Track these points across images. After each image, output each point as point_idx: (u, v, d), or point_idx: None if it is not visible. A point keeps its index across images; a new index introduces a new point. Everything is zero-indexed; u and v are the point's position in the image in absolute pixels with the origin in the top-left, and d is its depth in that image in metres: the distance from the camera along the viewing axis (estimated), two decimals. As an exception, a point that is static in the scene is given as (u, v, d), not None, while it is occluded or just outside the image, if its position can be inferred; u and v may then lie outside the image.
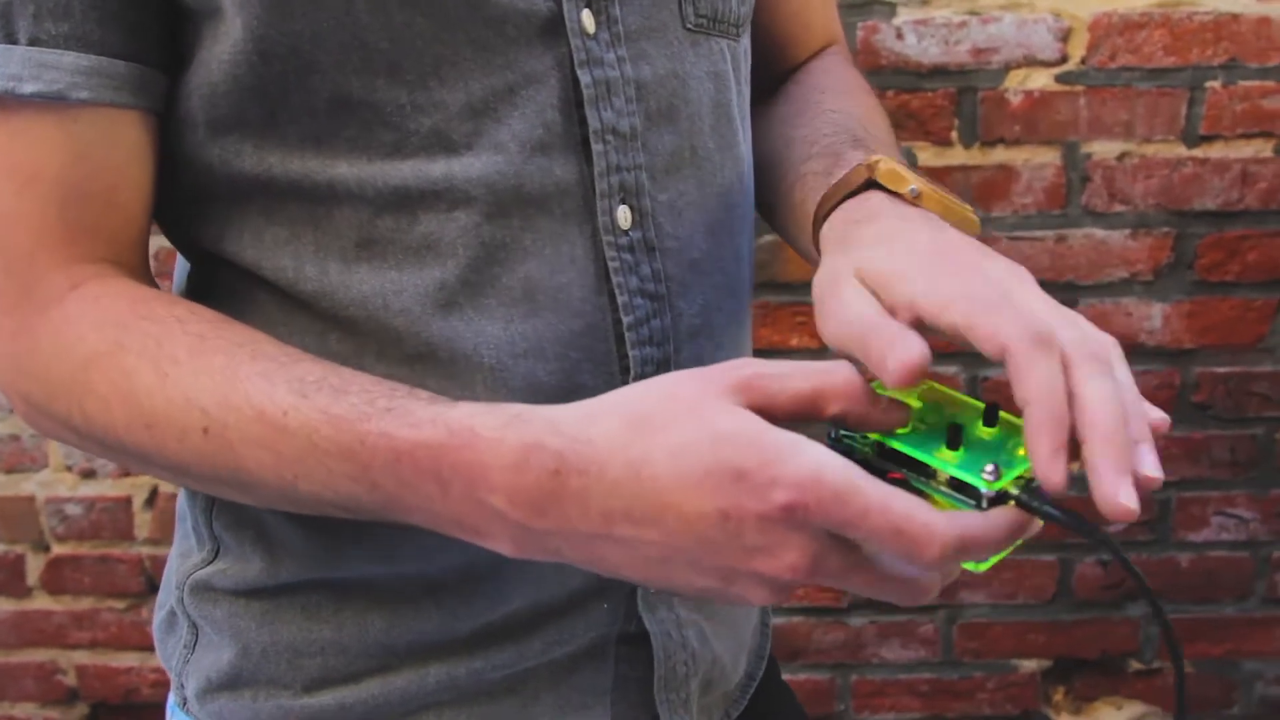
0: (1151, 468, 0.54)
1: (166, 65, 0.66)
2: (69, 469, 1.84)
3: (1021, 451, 0.56)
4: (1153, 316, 1.66)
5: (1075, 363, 0.55)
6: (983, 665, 1.78)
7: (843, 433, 0.58)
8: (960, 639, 1.77)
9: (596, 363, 0.70)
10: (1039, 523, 0.55)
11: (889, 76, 1.60)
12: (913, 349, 0.55)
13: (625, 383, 0.71)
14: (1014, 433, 0.57)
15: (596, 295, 0.70)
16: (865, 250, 0.63)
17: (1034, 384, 0.53)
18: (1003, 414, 0.58)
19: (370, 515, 0.61)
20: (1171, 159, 1.62)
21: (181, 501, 0.78)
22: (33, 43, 0.62)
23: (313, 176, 0.66)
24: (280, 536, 0.71)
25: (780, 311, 1.68)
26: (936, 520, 0.51)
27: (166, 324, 0.63)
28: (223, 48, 0.64)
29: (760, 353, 1.67)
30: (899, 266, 0.60)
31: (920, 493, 0.55)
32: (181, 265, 0.76)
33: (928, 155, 1.62)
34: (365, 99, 0.65)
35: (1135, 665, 1.78)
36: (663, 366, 0.72)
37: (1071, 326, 0.57)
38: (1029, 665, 1.78)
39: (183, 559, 0.77)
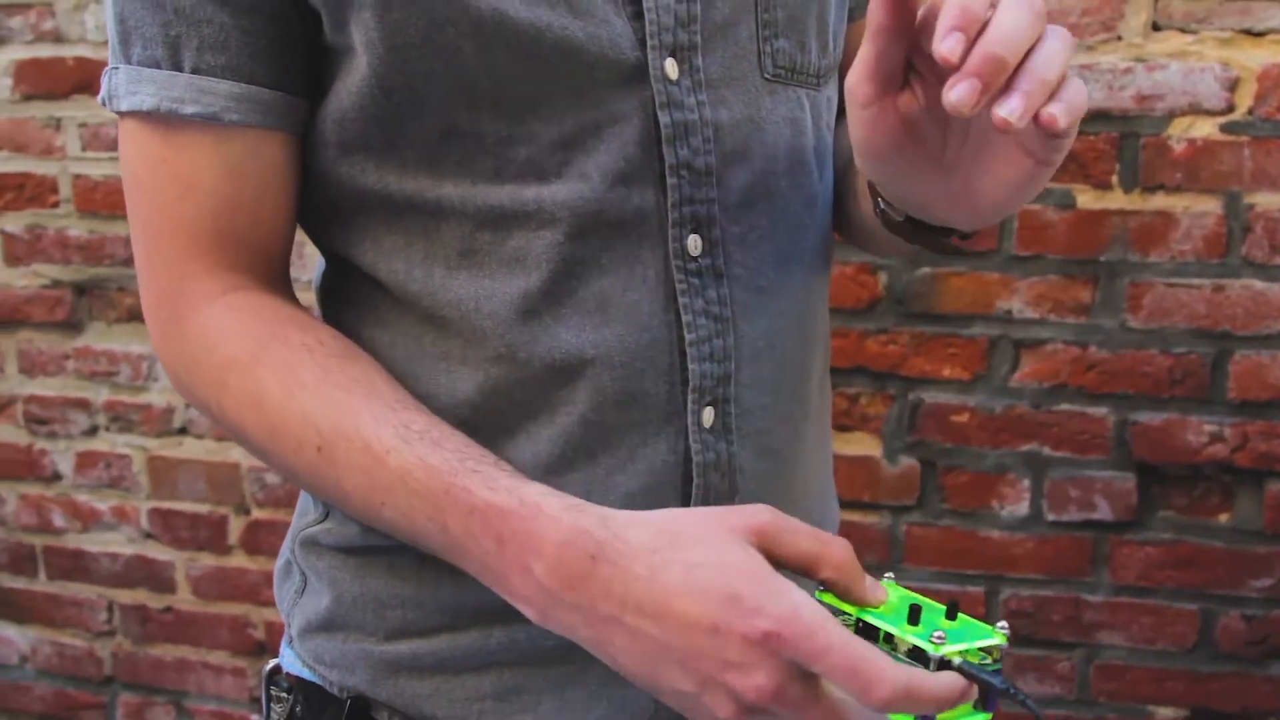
0: (1010, 110, 0.60)
1: (308, 93, 0.78)
2: (270, 441, 2.02)
3: (974, 641, 0.64)
4: (1312, 372, 1.64)
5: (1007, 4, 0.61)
6: (1118, 708, 1.78)
7: (827, 607, 0.67)
8: (1097, 679, 1.78)
9: (659, 373, 0.79)
10: (975, 692, 0.63)
11: (1051, 119, 1.63)
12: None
13: (685, 394, 0.79)
14: (969, 627, 0.66)
15: (664, 313, 0.78)
16: None
17: None
18: (961, 614, 0.67)
19: (431, 551, 0.72)
20: (1339, 214, 1.60)
21: (307, 470, 0.90)
22: (195, 71, 0.74)
23: (424, 194, 0.77)
24: None
25: (933, 342, 1.73)
26: (888, 665, 0.60)
27: (298, 351, 0.75)
28: (352, 81, 0.75)
29: (912, 381, 1.72)
30: None
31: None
32: (320, 261, 0.88)
33: (1087, 198, 1.64)
34: (471, 130, 0.75)
35: (1278, 724, 1.76)
36: (722, 382, 0.80)
37: None
38: (1165, 713, 1.76)
39: (300, 517, 0.89)
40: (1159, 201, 1.63)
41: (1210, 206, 1.62)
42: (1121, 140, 1.63)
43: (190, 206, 0.76)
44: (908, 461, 1.77)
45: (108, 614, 2.18)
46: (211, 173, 0.76)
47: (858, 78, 0.69)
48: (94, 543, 2.15)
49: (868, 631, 0.66)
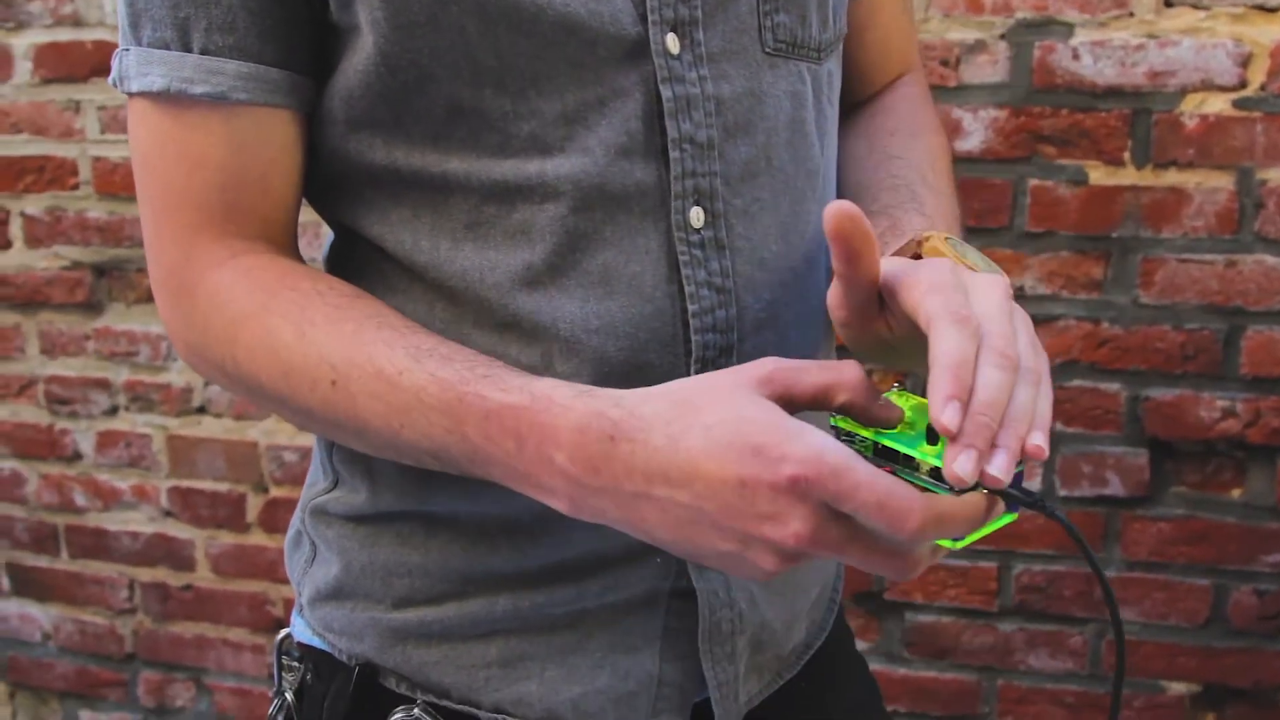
0: (998, 469, 0.62)
1: (315, 72, 0.79)
2: (288, 420, 2.04)
3: None
4: (1324, 347, 1.64)
5: (987, 354, 0.63)
6: (1131, 683, 1.78)
7: (844, 433, 0.68)
8: (1109, 654, 1.78)
9: (663, 344, 0.79)
10: (1002, 506, 0.64)
11: (1063, 95, 1.63)
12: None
13: (688, 364, 0.80)
14: None
15: (667, 284, 0.79)
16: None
17: (940, 349, 0.63)
18: None
19: (455, 467, 0.73)
20: (1351, 189, 1.60)
21: (315, 440, 0.92)
22: (203, 52, 0.75)
23: (430, 169, 0.78)
24: (383, 472, 0.83)
25: (945, 319, 1.73)
26: (915, 496, 0.61)
27: (308, 295, 0.76)
28: (358, 59, 0.76)
29: (923, 357, 1.72)
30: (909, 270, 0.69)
31: (908, 483, 0.64)
32: (329, 235, 0.89)
33: (1099, 174, 1.65)
34: (475, 106, 0.76)
35: (1290, 699, 1.76)
36: (725, 353, 0.81)
37: (1005, 333, 0.65)
38: (1178, 688, 1.77)
39: (310, 487, 0.90)
40: (1171, 178, 1.63)
41: (1222, 182, 1.62)
42: (1134, 116, 1.63)
43: (199, 183, 0.78)
44: (920, 438, 1.78)
45: (129, 592, 2.20)
46: (220, 150, 0.77)
47: (833, 304, 0.72)
48: (115, 521, 2.18)
49: (887, 454, 0.66)
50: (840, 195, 0.91)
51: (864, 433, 0.67)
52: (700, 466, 0.63)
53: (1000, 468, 0.63)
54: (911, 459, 0.65)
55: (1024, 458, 0.65)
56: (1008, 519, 0.65)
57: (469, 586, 0.83)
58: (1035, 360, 0.67)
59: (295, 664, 0.90)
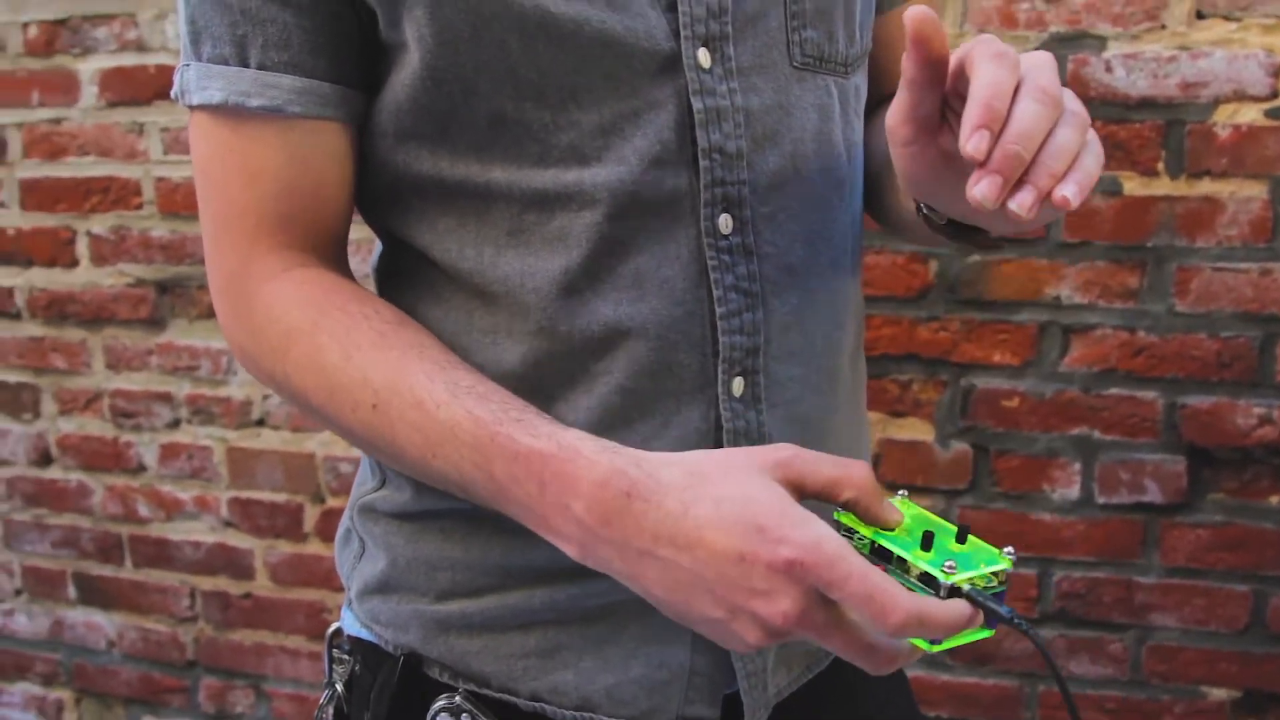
0: (1019, 204, 0.66)
1: (365, 86, 0.83)
2: (343, 432, 2.09)
3: (983, 566, 0.69)
4: (1361, 354, 1.65)
5: (1027, 89, 0.66)
6: (1171, 689, 1.79)
7: (844, 528, 0.72)
8: (1149, 660, 1.80)
9: (692, 345, 0.83)
10: (981, 618, 0.67)
11: (1097, 107, 1.66)
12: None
13: (716, 364, 0.84)
14: (979, 551, 0.70)
15: (696, 288, 0.83)
16: None
17: (976, 83, 0.66)
18: (971, 536, 0.71)
19: (478, 499, 0.77)
20: (1385, 197, 1.61)
21: (366, 442, 0.96)
22: (260, 67, 0.80)
23: (474, 178, 0.82)
24: None
25: (983, 329, 1.76)
26: (902, 593, 0.65)
27: (355, 318, 0.81)
28: (406, 74, 0.80)
29: (963, 367, 1.75)
30: None
31: (897, 583, 0.68)
32: (378, 247, 0.93)
33: (1134, 185, 1.67)
34: (517, 118, 0.80)
35: (1333, 705, 1.77)
36: (752, 354, 0.85)
37: (1050, 76, 0.67)
38: (1218, 694, 1.78)
39: (359, 486, 0.95)
40: (1205, 187, 1.65)
41: (1256, 191, 1.64)
42: (1167, 127, 1.65)
43: (256, 192, 0.82)
44: (960, 446, 1.81)
45: (190, 600, 2.26)
46: (276, 161, 0.82)
47: (897, 120, 0.74)
48: (177, 531, 2.24)
49: (882, 553, 0.69)
50: (874, 162, 0.95)
51: (864, 530, 0.71)
52: (705, 536, 0.67)
53: (1022, 204, 0.65)
54: (904, 561, 0.69)
55: (1005, 578, 0.68)
56: (984, 634, 0.68)
57: (508, 580, 0.87)
58: (1085, 112, 0.68)
59: (345, 656, 0.94)
